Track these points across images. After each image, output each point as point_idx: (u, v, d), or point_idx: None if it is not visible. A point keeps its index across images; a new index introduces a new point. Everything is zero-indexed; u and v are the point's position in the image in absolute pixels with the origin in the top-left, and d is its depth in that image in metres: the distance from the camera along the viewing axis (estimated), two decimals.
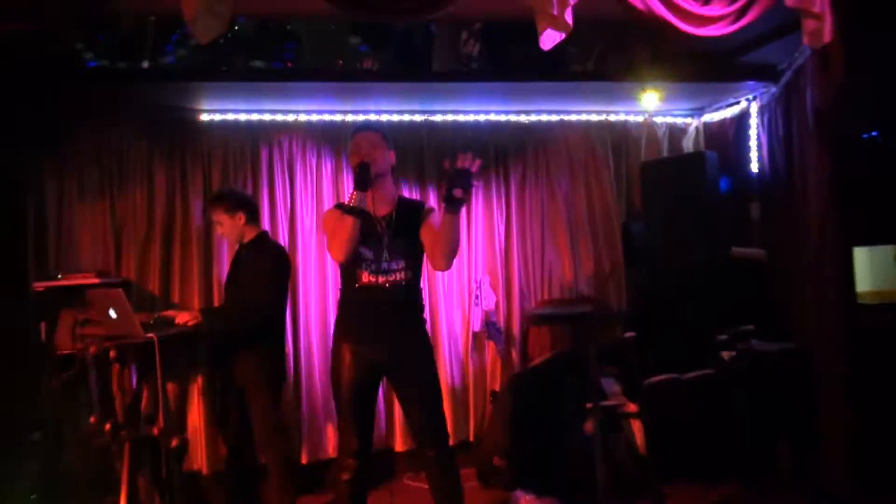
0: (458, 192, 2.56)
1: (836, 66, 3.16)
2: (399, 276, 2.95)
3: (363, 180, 2.79)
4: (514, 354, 4.60)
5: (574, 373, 4.06)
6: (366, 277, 2.93)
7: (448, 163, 2.66)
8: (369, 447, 3.06)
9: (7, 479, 3.41)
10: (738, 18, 2.80)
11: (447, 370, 4.47)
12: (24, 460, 3.55)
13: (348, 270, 2.97)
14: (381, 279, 2.93)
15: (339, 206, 2.99)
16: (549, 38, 2.79)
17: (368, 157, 2.85)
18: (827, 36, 2.82)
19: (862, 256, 4.09)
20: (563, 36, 2.76)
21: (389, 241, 2.93)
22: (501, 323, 4.59)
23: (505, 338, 4.53)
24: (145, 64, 4.05)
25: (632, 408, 3.95)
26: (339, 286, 3.13)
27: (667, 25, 2.75)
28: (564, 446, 3.95)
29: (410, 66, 4.22)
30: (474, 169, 2.56)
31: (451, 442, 3.32)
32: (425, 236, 2.94)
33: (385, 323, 2.96)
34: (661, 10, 2.74)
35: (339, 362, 3.00)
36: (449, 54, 4.35)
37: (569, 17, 2.71)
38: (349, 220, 2.78)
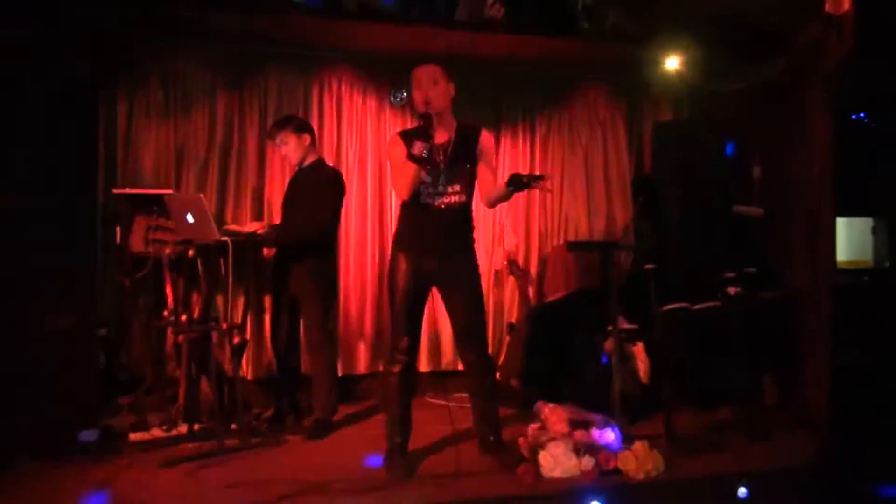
0: (521, 187, 3.01)
1: (848, 34, 3.56)
2: (454, 198, 3.23)
3: (427, 133, 3.03)
4: (531, 291, 5.02)
5: (589, 306, 4.51)
6: (424, 199, 3.19)
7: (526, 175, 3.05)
8: (417, 345, 3.38)
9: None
10: None
11: None
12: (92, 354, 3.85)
13: None
14: (437, 201, 3.20)
15: (402, 135, 3.24)
16: None
17: (427, 97, 3.11)
18: (847, 3, 3.23)
19: (840, 227, 4.33)
20: None
21: (447, 168, 3.19)
22: (521, 262, 5.00)
23: (523, 275, 4.95)
24: None
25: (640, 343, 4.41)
26: (399, 203, 3.39)
27: None
28: (577, 369, 4.38)
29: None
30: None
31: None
32: (481, 177, 3.26)
33: (439, 239, 3.23)
34: None
35: (395, 270, 3.28)
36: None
37: None
38: (414, 169, 3.06)
